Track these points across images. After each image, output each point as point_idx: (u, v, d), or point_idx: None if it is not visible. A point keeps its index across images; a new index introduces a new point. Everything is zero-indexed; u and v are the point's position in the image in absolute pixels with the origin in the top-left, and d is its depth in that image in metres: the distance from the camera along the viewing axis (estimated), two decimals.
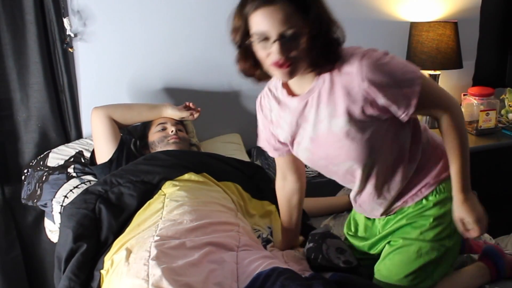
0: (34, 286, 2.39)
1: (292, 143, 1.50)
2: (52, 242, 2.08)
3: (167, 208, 1.64)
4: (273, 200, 1.97)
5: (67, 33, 2.26)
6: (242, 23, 1.27)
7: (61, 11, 2.23)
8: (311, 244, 1.59)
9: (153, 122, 2.19)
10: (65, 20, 2.23)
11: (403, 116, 1.34)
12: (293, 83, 1.41)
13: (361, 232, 1.68)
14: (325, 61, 1.31)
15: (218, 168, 1.95)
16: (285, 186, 1.68)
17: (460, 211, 1.43)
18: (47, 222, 2.14)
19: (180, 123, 2.23)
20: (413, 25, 2.73)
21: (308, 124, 1.42)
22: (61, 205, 2.02)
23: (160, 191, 1.78)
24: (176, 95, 2.52)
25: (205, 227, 1.55)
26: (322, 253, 1.54)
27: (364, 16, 2.72)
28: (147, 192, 1.78)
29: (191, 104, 2.24)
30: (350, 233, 1.71)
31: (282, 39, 1.22)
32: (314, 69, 1.33)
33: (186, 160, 1.92)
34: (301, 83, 1.38)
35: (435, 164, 1.52)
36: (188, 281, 1.30)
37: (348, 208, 2.14)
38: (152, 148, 2.14)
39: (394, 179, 1.48)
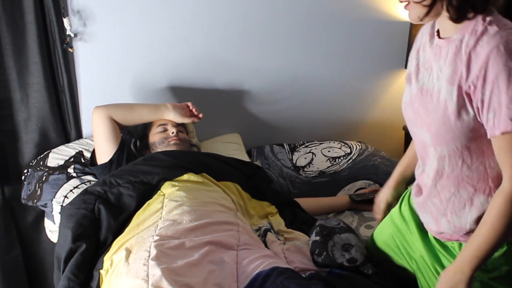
0: (34, 286, 2.40)
1: (410, 77, 1.39)
2: (52, 242, 2.07)
3: (167, 208, 1.64)
4: (273, 201, 1.97)
5: (67, 33, 2.26)
6: None
7: (61, 11, 2.22)
8: (317, 238, 1.56)
9: (154, 122, 2.19)
10: (65, 20, 2.23)
11: (488, 133, 1.18)
12: (442, 24, 1.26)
13: (412, 227, 1.52)
14: (454, 12, 1.18)
15: (218, 168, 1.95)
16: None
17: (440, 281, 1.28)
18: (47, 222, 2.14)
19: (180, 124, 2.23)
20: (413, 25, 2.73)
21: (428, 72, 1.30)
22: (61, 205, 2.01)
23: (159, 191, 1.78)
24: (176, 94, 2.52)
25: (204, 227, 1.55)
26: (326, 250, 1.51)
27: (364, 16, 2.72)
28: (146, 192, 1.78)
29: (194, 109, 2.21)
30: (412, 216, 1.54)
31: None
32: (449, 16, 1.20)
33: (185, 160, 1.92)
34: (447, 28, 1.24)
35: None
36: (188, 281, 1.30)
37: (348, 208, 2.14)
38: (152, 149, 2.14)
39: (456, 193, 1.32)
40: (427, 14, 1.21)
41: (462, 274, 1.25)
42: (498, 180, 1.24)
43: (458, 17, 1.19)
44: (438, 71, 1.26)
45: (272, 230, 1.77)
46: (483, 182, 1.28)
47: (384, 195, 1.69)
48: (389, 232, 1.60)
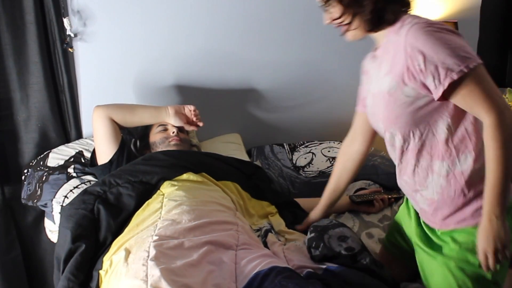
0: (34, 286, 2.40)
1: (365, 99, 1.59)
2: (52, 242, 2.08)
3: (166, 208, 1.64)
4: (273, 201, 1.97)
5: (67, 33, 2.26)
6: None
7: (61, 11, 2.23)
8: (312, 234, 1.58)
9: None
10: (65, 20, 2.24)
11: (434, 96, 1.34)
12: (375, 37, 1.49)
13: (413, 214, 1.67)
14: (368, 24, 1.41)
15: (217, 168, 1.95)
16: (352, 147, 1.74)
17: (480, 238, 1.34)
18: (47, 222, 2.14)
19: None
20: None
21: (373, 79, 1.51)
22: (61, 205, 2.02)
23: (158, 191, 1.78)
24: (176, 95, 2.52)
25: (204, 226, 1.55)
26: (323, 242, 1.53)
27: None
28: (146, 192, 1.78)
29: (194, 118, 2.17)
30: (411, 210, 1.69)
31: (323, 6, 1.44)
32: (365, 29, 1.43)
33: (185, 160, 1.92)
34: (379, 40, 1.48)
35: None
36: (187, 282, 1.30)
37: (348, 209, 2.13)
38: (153, 148, 2.14)
39: (417, 164, 1.46)
40: (347, 30, 1.44)
41: (497, 219, 1.31)
42: (447, 144, 1.40)
43: (372, 28, 1.43)
44: (378, 72, 1.47)
45: (272, 231, 1.77)
46: (435, 147, 1.43)
47: (315, 217, 1.84)
48: (397, 227, 1.74)
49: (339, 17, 1.41)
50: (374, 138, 1.71)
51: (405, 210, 1.71)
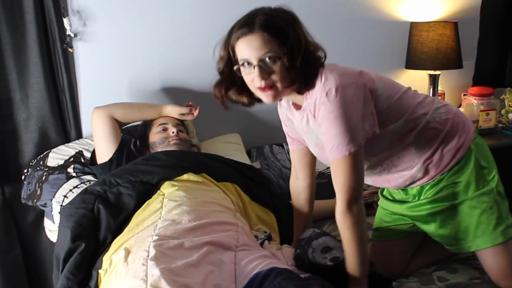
0: (34, 286, 2.40)
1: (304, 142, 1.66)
2: (52, 242, 2.08)
3: (166, 208, 1.64)
4: (272, 207, 1.96)
5: (67, 33, 2.26)
6: (227, 52, 1.46)
7: (61, 11, 2.23)
8: (298, 251, 1.58)
9: (154, 122, 2.19)
10: (65, 20, 2.24)
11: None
12: (295, 98, 1.51)
13: (398, 196, 1.78)
14: (303, 82, 1.42)
15: (217, 169, 1.95)
16: (297, 184, 1.79)
17: None
18: (47, 222, 2.14)
19: (181, 124, 2.23)
20: (413, 25, 2.73)
21: (310, 134, 1.55)
22: (61, 205, 2.02)
23: (159, 191, 1.78)
24: (176, 95, 2.52)
25: (204, 227, 1.55)
26: (308, 259, 1.53)
27: (364, 16, 2.72)
28: (146, 192, 1.78)
29: (191, 103, 2.24)
30: (388, 196, 1.83)
31: (260, 63, 1.37)
32: (297, 89, 1.44)
33: (185, 160, 1.91)
34: (300, 98, 1.49)
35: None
36: (186, 282, 1.30)
37: None
38: (152, 148, 2.14)
39: (397, 155, 1.59)
40: (273, 90, 1.42)
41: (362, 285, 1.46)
42: (398, 131, 1.55)
43: (301, 92, 1.45)
44: (314, 127, 1.49)
45: (268, 240, 1.76)
46: (397, 138, 1.56)
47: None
48: (383, 213, 1.86)
49: (278, 76, 1.40)
50: (315, 169, 1.78)
51: (388, 201, 1.81)
